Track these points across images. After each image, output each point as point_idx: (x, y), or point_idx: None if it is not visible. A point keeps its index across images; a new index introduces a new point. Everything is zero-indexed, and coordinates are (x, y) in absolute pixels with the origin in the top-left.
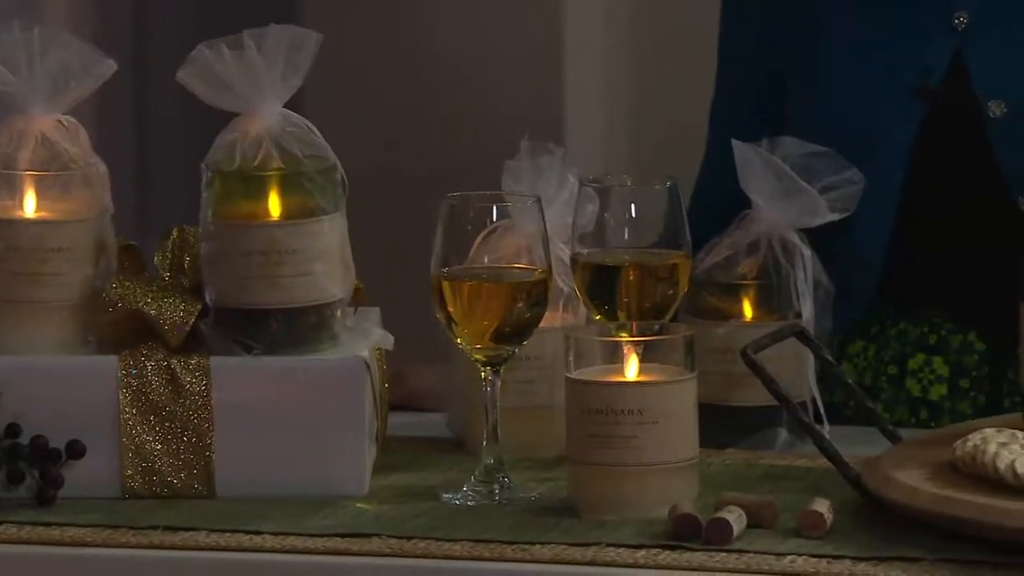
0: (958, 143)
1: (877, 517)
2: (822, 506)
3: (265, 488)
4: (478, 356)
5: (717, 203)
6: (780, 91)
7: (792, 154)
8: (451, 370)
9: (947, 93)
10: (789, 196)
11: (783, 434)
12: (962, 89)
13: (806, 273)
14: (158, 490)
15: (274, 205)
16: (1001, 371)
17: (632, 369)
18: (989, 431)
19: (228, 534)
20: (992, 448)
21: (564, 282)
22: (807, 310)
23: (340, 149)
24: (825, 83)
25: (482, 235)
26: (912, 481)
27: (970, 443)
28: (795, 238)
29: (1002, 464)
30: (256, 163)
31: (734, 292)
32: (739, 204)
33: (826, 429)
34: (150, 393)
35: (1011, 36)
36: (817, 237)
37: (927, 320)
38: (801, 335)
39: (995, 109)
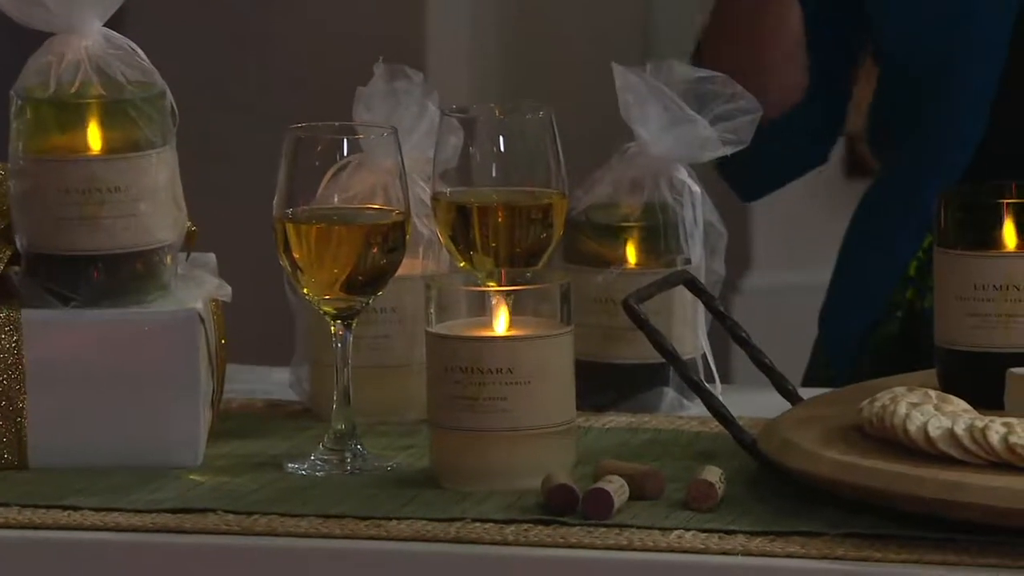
0: None
1: (774, 487)
2: (713, 475)
3: (85, 458)
4: (327, 308)
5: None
6: None
7: (679, 80)
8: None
9: None
10: (676, 127)
11: (670, 394)
12: None
13: (695, 213)
14: None
15: (94, 137)
16: None
17: (501, 322)
18: (899, 389)
19: (42, 510)
20: (902, 409)
21: (424, 224)
22: (697, 255)
23: (169, 74)
24: None
25: (331, 171)
26: (813, 446)
27: (878, 403)
28: (683, 174)
29: (913, 426)
30: (73, 90)
31: (615, 235)
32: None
33: (718, 388)
34: None
35: None
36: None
37: None
38: (690, 283)
39: None
